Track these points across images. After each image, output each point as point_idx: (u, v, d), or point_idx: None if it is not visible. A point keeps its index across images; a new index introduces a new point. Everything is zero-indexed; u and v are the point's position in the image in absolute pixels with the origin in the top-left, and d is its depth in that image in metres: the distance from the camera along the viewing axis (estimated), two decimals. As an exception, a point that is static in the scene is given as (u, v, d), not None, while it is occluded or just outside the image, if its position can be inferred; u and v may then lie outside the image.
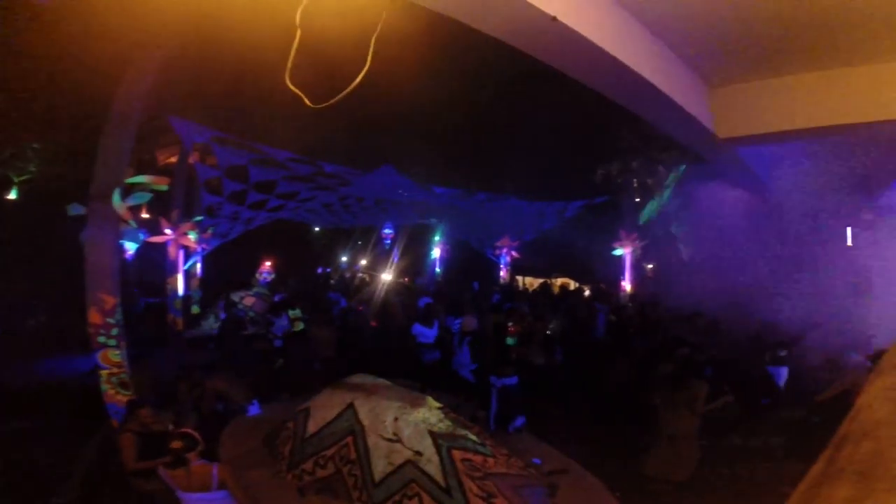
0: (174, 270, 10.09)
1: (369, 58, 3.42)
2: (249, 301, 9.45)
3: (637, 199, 12.60)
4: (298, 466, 3.23)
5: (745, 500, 3.92)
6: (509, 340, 5.76)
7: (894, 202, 8.41)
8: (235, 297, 9.02)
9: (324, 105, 3.55)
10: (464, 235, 17.13)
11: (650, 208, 12.67)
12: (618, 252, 12.79)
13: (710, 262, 11.85)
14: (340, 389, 3.95)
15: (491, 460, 2.94)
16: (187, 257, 10.75)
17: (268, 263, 13.94)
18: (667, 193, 12.30)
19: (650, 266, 15.29)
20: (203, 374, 4.79)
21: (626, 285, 12.90)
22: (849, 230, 12.57)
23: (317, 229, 21.19)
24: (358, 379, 4.23)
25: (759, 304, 9.05)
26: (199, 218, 10.65)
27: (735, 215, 11.23)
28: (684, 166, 11.60)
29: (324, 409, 3.60)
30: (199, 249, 10.94)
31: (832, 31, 4.61)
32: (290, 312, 7.86)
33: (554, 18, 3.24)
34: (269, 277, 13.19)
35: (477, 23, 3.42)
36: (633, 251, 12.93)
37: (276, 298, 9.12)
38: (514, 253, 15.17)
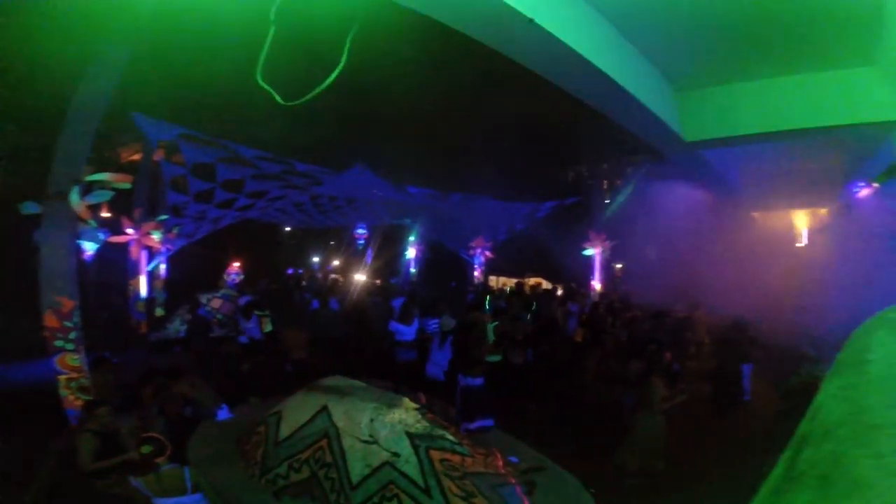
0: (137, 272, 9.71)
1: (344, 56, 3.38)
2: (216, 303, 9.21)
3: (606, 201, 12.89)
4: (272, 471, 3.15)
5: (714, 494, 4.04)
6: (491, 336, 5.80)
7: (849, 202, 8.87)
8: (202, 298, 8.75)
9: (295, 103, 3.49)
10: (438, 236, 17.14)
11: (615, 205, 13.01)
12: (588, 252, 13.05)
13: (675, 260, 12.24)
14: (313, 392, 3.88)
15: (469, 459, 2.94)
16: (151, 258, 10.36)
17: (236, 264, 13.60)
18: (629, 191, 12.64)
19: (619, 266, 15.67)
20: (169, 377, 4.62)
21: (596, 285, 13.18)
22: (806, 230, 13.23)
23: (287, 229, 20.78)
24: (331, 381, 4.16)
25: (721, 301, 9.39)
26: (163, 217, 10.28)
27: (699, 215, 11.65)
28: (648, 167, 11.95)
29: (296, 411, 3.53)
30: (163, 250, 10.57)
31: (794, 38, 4.84)
32: (259, 314, 7.70)
33: (531, 20, 3.29)
34: (238, 279, 12.87)
35: (456, 23, 3.43)
36: (603, 251, 13.23)
37: (241, 301, 8.92)
38: (487, 253, 15.29)
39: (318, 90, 3.48)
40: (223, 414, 4.49)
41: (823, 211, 12.34)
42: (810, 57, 5.32)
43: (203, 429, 3.94)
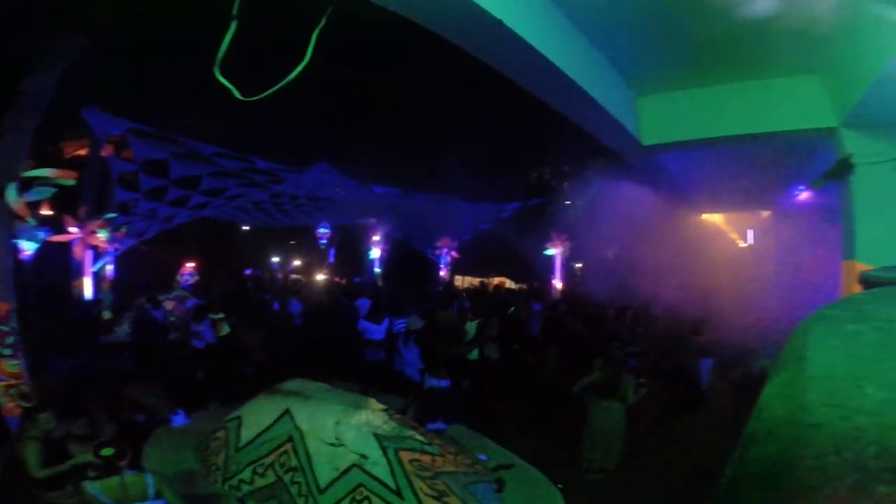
0: (81, 273, 9.14)
1: (309, 51, 3.31)
2: (169, 305, 8.82)
3: (568, 202, 13.22)
4: (235, 476, 3.05)
5: (676, 487, 4.20)
6: (471, 330, 5.81)
7: (789, 206, 9.47)
8: (153, 301, 8.35)
9: (254, 98, 3.40)
10: (404, 235, 17.07)
11: (575, 206, 13.38)
12: (549, 252, 13.35)
13: (631, 259, 12.72)
14: (274, 395, 3.79)
15: (439, 459, 2.93)
16: (97, 258, 9.78)
17: (190, 265, 13.04)
18: (589, 192, 13.03)
19: (579, 265, 16.11)
20: (119, 382, 4.40)
21: (558, 283, 13.49)
22: (750, 231, 14.04)
23: (246, 228, 20.11)
24: (293, 384, 4.08)
25: (673, 298, 9.81)
26: (110, 215, 9.73)
27: (654, 216, 12.14)
28: (608, 169, 12.34)
29: (257, 416, 3.43)
30: (110, 249, 10.00)
31: (745, 47, 5.13)
32: (214, 317, 7.44)
33: (500, 22, 3.33)
34: (192, 280, 12.35)
35: (425, 20, 3.43)
36: (564, 251, 13.56)
37: (189, 304, 8.58)
38: (453, 253, 15.36)
39: (278, 86, 3.40)
40: (179, 420, 4.32)
41: (766, 213, 13.12)
42: (759, 65, 5.65)
43: (159, 435, 3.78)
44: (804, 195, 7.90)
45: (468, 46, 3.79)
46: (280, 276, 18.71)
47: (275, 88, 3.42)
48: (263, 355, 6.69)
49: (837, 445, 0.35)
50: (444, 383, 5.02)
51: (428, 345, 5.97)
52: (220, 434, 3.39)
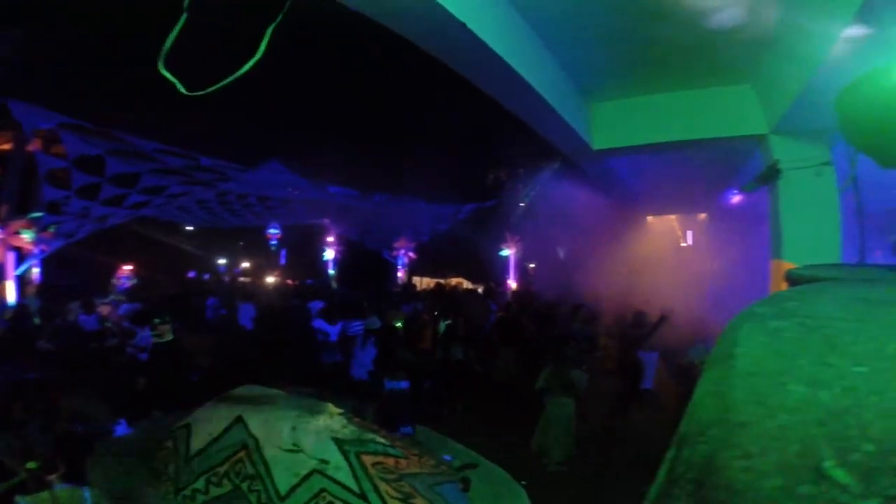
0: (2, 276, 8.36)
1: (262, 46, 3.20)
2: (105, 310, 8.26)
3: (522, 204, 13.51)
4: (188, 486, 2.90)
5: (631, 479, 4.35)
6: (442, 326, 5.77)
7: (724, 207, 10.13)
8: (87, 306, 7.78)
9: (200, 93, 3.25)
10: (360, 236, 16.80)
11: (529, 208, 13.74)
12: (504, 253, 13.58)
13: (581, 259, 13.21)
14: (225, 403, 3.64)
15: (403, 461, 2.91)
16: (21, 260, 8.98)
17: (127, 267, 12.24)
18: (542, 195, 13.41)
19: (532, 265, 16.51)
20: (52, 391, 4.06)
21: (512, 283, 13.75)
22: (689, 232, 14.92)
23: (190, 228, 19.10)
24: (244, 390, 3.94)
25: (620, 295, 10.26)
26: (36, 214, 8.96)
27: (603, 217, 12.66)
28: (560, 172, 12.76)
29: (207, 423, 3.28)
30: (36, 251, 9.21)
31: (687, 58, 5.45)
32: (156, 322, 7.03)
33: (462, 24, 3.36)
34: (129, 283, 11.60)
35: (387, 20, 3.40)
36: (517, 252, 13.86)
37: (123, 309, 8.07)
38: (411, 254, 15.30)
39: (226, 81, 3.27)
40: (121, 430, 4.07)
41: (703, 216, 13.99)
42: (700, 74, 6.03)
43: (101, 446, 3.55)
44: (736, 198, 8.47)
45: (429, 47, 3.80)
46: (227, 278, 17.94)
47: (222, 84, 3.28)
48: (209, 361, 6.39)
49: (763, 445, 0.35)
50: (402, 385, 4.97)
51: (384, 346, 5.91)
52: (168, 443, 3.21)
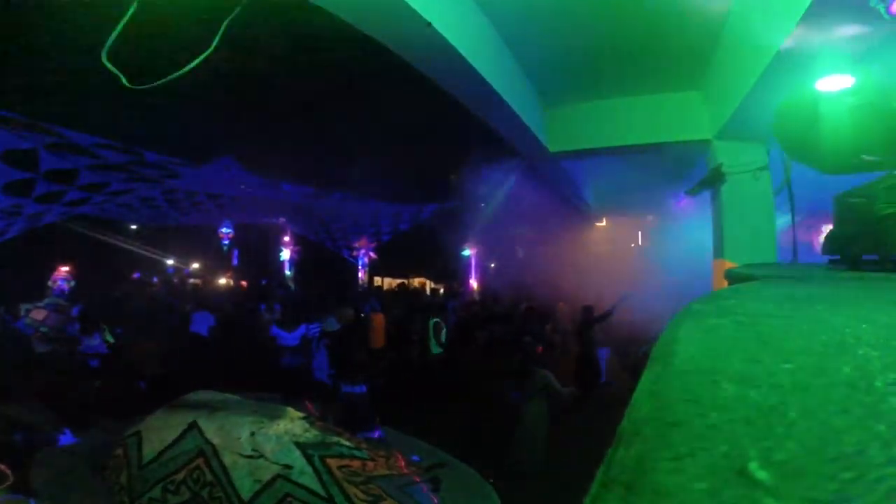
0: (-84, 280, 7.60)
1: (216, 40, 3.10)
2: (39, 315, 7.63)
3: (483, 204, 13.67)
4: (143, 496, 2.77)
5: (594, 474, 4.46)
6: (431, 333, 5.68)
7: (672, 210, 10.68)
8: (21, 309, 7.21)
9: (145, 87, 3.11)
10: (317, 236, 16.42)
11: (489, 208, 13.91)
12: (466, 253, 13.70)
13: (538, 259, 13.54)
14: (178, 409, 3.50)
15: (370, 463, 2.87)
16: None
17: (64, 269, 11.41)
18: (501, 196, 13.62)
19: (493, 265, 16.74)
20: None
21: (474, 283, 13.90)
22: (639, 233, 15.61)
23: (134, 227, 18.06)
24: (198, 396, 3.80)
25: (576, 293, 10.60)
26: (-42, 211, 8.21)
27: (559, 219, 13.03)
28: (519, 174, 13.02)
29: (160, 431, 3.14)
30: (-43, 252, 8.44)
31: (639, 64, 5.70)
32: (100, 326, 6.64)
33: (428, 24, 3.37)
34: (67, 286, 10.82)
35: (352, 17, 3.36)
36: (479, 252, 14.01)
37: (75, 311, 7.55)
38: (372, 254, 15.12)
39: (176, 74, 3.14)
40: (66, 439, 3.83)
41: (653, 218, 14.67)
42: (652, 80, 6.32)
43: (45, 456, 3.32)
44: (684, 201, 8.93)
45: (392, 44, 3.78)
46: (175, 280, 17.10)
47: (169, 78, 3.15)
48: (158, 367, 6.08)
49: (692, 446, 0.34)
50: (360, 389, 4.86)
51: (341, 349, 5.82)
52: (119, 452, 3.05)
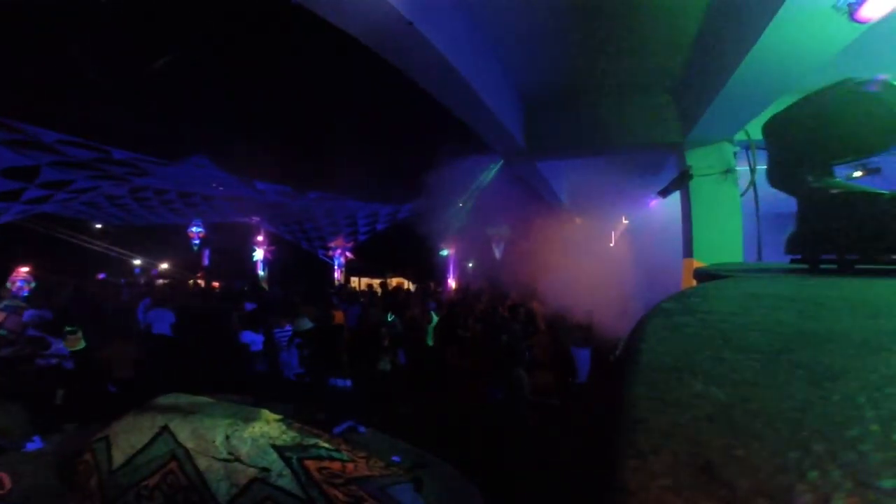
0: None
1: (188, 34, 3.03)
2: (-1, 318, 7.30)
3: (461, 204, 13.72)
4: (115, 501, 2.67)
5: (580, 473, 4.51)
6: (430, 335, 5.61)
7: (643, 211, 10.92)
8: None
9: (114, 81, 3.03)
10: (292, 236, 16.14)
11: (467, 207, 13.97)
12: (444, 252, 13.70)
13: (516, 258, 13.65)
14: (148, 413, 3.41)
15: (350, 465, 2.84)
16: None
17: (24, 270, 10.93)
18: (478, 195, 13.69)
19: (470, 264, 16.80)
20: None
21: (452, 283, 13.92)
22: (613, 233, 15.91)
23: (99, 226, 17.41)
24: (169, 399, 3.71)
25: (552, 294, 10.72)
26: None
27: (536, 218, 13.17)
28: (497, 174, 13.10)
29: (129, 435, 3.05)
30: None
31: (615, 67, 5.82)
32: (67, 330, 6.37)
33: (410, 23, 3.35)
34: (27, 287, 10.35)
35: (334, 16, 3.31)
36: (457, 251, 14.04)
37: (27, 316, 7.24)
38: (348, 254, 14.96)
39: (148, 68, 3.06)
40: (34, 444, 3.70)
41: (627, 218, 14.97)
42: (626, 84, 6.45)
43: (13, 461, 3.19)
44: (654, 202, 9.15)
45: (372, 42, 3.75)
46: (143, 280, 16.56)
47: (142, 71, 3.07)
48: (128, 371, 5.90)
49: (656, 443, 0.34)
50: (345, 383, 4.87)
51: (321, 345, 5.75)
52: (87, 457, 2.95)
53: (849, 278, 1.07)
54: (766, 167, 1.50)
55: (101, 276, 16.16)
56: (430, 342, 7.13)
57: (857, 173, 6.17)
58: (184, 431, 3.04)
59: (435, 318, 7.07)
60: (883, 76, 1.25)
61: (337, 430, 4.36)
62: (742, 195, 6.39)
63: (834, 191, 1.28)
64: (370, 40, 3.63)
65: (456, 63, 4.19)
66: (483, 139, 7.38)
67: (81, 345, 6.23)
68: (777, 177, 1.45)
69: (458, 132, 7.03)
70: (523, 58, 5.74)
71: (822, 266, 1.28)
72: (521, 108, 7.40)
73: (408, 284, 17.16)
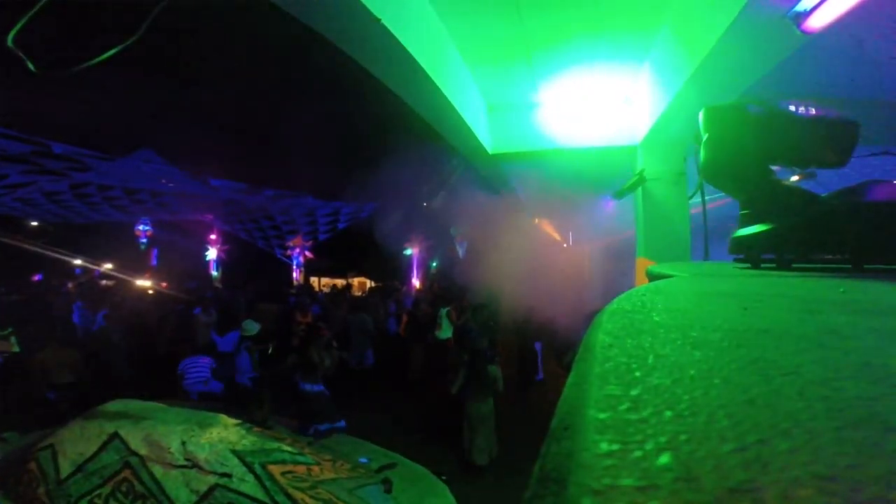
0: None
1: (144, 27, 2.90)
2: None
3: (425, 203, 13.73)
4: None
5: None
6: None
7: (604, 212, 11.31)
8: None
9: (55, 72, 2.86)
10: (248, 234, 15.61)
11: (431, 207, 14.00)
12: (408, 252, 13.66)
13: (479, 258, 13.78)
14: (95, 419, 3.22)
15: (316, 468, 2.79)
16: None
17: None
18: (443, 195, 13.76)
19: (434, 264, 16.84)
20: None
21: (416, 282, 13.90)
22: (569, 233, 16.36)
23: (35, 224, 16.22)
24: (117, 405, 3.52)
25: (517, 293, 10.92)
26: None
27: (497, 219, 13.35)
28: (461, 174, 13.19)
29: (76, 443, 2.87)
30: None
31: (576, 70, 5.99)
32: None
33: (379, 20, 3.31)
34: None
35: (296, 9, 3.23)
36: (421, 251, 14.03)
37: None
38: (307, 253, 14.63)
39: (95, 61, 2.91)
40: None
41: (585, 219, 15.43)
42: (587, 86, 6.62)
43: None
44: (611, 204, 9.50)
45: (337, 39, 3.68)
46: (84, 281, 15.58)
47: (88, 64, 2.92)
48: (72, 377, 5.56)
49: (619, 441, 0.32)
50: (318, 388, 4.79)
51: (299, 348, 5.65)
52: (31, 466, 2.77)
53: (787, 277, 1.17)
54: (701, 159, 1.51)
55: (37, 276, 15.10)
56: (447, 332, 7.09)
57: (795, 178, 6.63)
58: (136, 438, 2.91)
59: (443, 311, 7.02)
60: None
61: (322, 427, 4.26)
62: (690, 198, 6.73)
63: (773, 191, 1.39)
64: (334, 36, 3.56)
65: (423, 62, 4.17)
66: (448, 141, 7.41)
67: (16, 348, 5.83)
68: (714, 173, 1.51)
69: (423, 133, 7.04)
70: (489, 59, 5.82)
71: (763, 265, 1.39)
72: (486, 111, 7.50)
73: (370, 283, 17.00)
